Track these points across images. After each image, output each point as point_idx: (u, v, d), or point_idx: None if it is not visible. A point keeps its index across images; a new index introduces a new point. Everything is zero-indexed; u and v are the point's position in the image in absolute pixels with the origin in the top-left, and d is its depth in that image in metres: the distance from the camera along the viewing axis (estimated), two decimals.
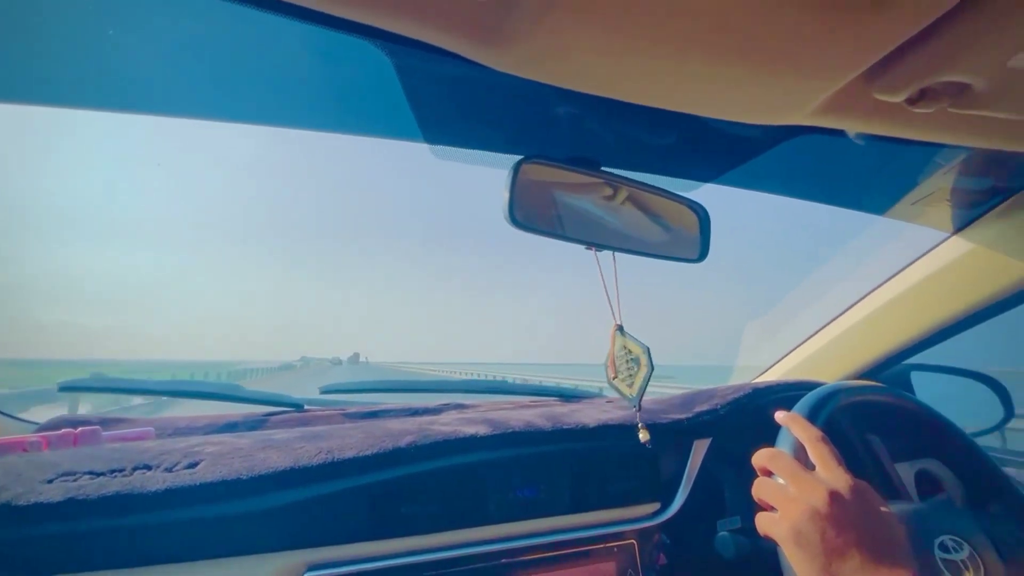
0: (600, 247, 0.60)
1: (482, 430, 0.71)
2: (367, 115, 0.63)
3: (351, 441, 0.66)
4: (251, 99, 0.61)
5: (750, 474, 0.60)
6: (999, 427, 1.07)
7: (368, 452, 0.64)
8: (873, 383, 1.03)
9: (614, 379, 0.59)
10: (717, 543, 0.70)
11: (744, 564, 0.66)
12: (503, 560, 0.64)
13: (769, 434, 0.64)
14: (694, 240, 0.68)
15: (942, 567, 0.57)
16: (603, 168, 0.63)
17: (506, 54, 0.46)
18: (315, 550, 0.59)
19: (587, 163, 0.60)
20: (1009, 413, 1.06)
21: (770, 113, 0.57)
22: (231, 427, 0.89)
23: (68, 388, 0.91)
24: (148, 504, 0.55)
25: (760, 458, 0.59)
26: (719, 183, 0.79)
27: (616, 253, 0.61)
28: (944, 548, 0.59)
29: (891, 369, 1.10)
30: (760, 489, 0.57)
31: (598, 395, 1.18)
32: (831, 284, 1.20)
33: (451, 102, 0.57)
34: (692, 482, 0.77)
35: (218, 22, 0.49)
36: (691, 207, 0.69)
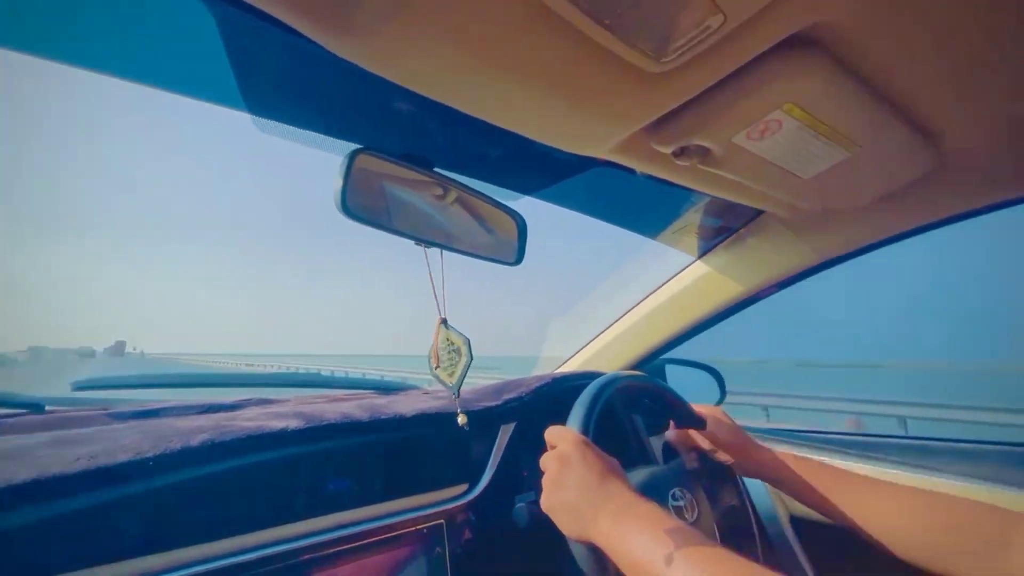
0: (428, 244, 0.63)
1: (293, 424, 0.67)
2: (191, 72, 0.54)
3: (125, 443, 0.56)
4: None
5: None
6: (719, 403, 1.42)
7: (148, 454, 0.55)
8: (638, 373, 1.28)
9: (436, 369, 0.63)
10: (514, 514, 0.79)
11: (538, 529, 0.76)
12: (307, 556, 0.62)
13: (564, 415, 0.75)
14: (512, 245, 0.76)
15: (671, 510, 0.75)
16: (436, 169, 0.66)
17: (353, 44, 0.46)
18: (84, 572, 0.49)
19: (421, 161, 0.62)
20: (723, 394, 1.42)
21: (577, 144, 0.67)
22: None
23: None
24: None
25: (550, 433, 0.70)
26: (536, 197, 0.89)
27: (443, 251, 0.65)
28: (674, 497, 0.78)
29: (653, 362, 1.38)
30: (543, 460, 0.67)
31: (414, 387, 1.20)
32: (617, 291, 1.44)
33: (287, 76, 0.54)
34: (497, 463, 0.85)
35: None
36: (511, 215, 0.76)
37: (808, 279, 1.11)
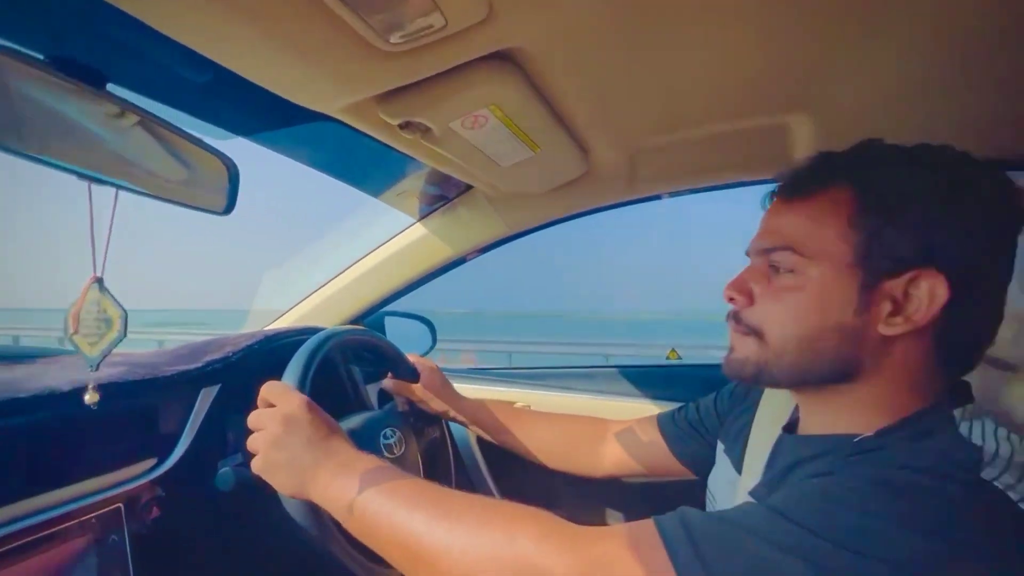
0: (98, 181, 0.50)
1: None
2: None
3: None
4: None
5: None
6: (429, 351, 1.59)
7: None
8: (358, 327, 1.32)
9: (74, 335, 0.50)
10: (217, 480, 0.75)
11: (245, 491, 0.74)
12: None
13: (278, 372, 0.74)
14: (222, 191, 0.68)
15: (383, 448, 0.85)
16: (110, 89, 0.52)
17: None
18: None
19: (91, 77, 0.48)
20: (434, 342, 1.60)
21: (304, 98, 0.65)
22: None
23: None
24: None
25: (268, 391, 0.68)
26: (252, 140, 0.80)
27: (118, 192, 0.53)
28: (385, 436, 0.87)
29: (373, 315, 1.44)
30: (251, 418, 0.66)
31: (63, 352, 0.94)
32: (338, 246, 1.43)
33: None
34: (196, 430, 0.78)
35: None
36: (220, 157, 0.67)
37: (503, 246, 1.36)
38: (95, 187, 0.51)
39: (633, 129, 0.92)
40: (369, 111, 0.69)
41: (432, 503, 0.55)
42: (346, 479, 0.59)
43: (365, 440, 0.82)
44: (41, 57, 0.43)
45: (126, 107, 0.55)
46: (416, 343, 1.50)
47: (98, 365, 0.52)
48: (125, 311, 0.49)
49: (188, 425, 0.77)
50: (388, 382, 1.06)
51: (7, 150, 0.41)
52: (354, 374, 1.20)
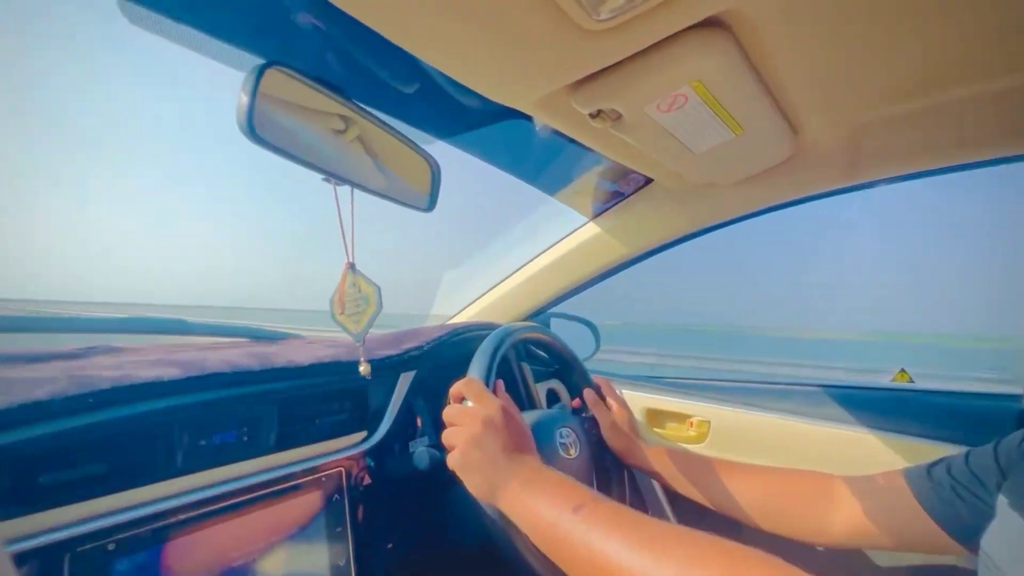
0: (340, 180, 0.58)
1: (170, 372, 0.59)
2: None
3: None
4: None
5: (443, 398, 0.72)
6: (593, 355, 1.56)
7: None
8: (535, 324, 1.35)
9: (340, 315, 0.59)
10: (415, 458, 0.81)
11: (437, 471, 0.79)
12: (192, 512, 0.58)
13: (462, 364, 0.77)
14: (425, 190, 0.74)
15: (558, 447, 0.83)
16: (350, 98, 0.60)
17: None
18: None
19: (336, 88, 0.56)
20: (598, 345, 1.56)
21: (503, 93, 0.66)
22: None
23: None
24: None
25: (456, 385, 0.71)
26: (449, 142, 0.86)
27: (354, 190, 0.60)
28: (561, 435, 0.85)
29: (542, 314, 1.46)
30: (448, 412, 0.69)
31: (294, 336, 1.12)
32: (513, 245, 1.48)
33: None
34: (396, 410, 0.85)
35: None
36: (426, 158, 0.73)
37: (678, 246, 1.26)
38: (335, 185, 0.59)
39: (856, 99, 0.76)
40: (561, 102, 0.68)
41: (631, 528, 0.50)
42: (536, 494, 0.58)
43: (542, 437, 0.82)
44: (298, 72, 0.51)
45: (361, 113, 0.62)
46: (579, 346, 1.47)
47: (363, 339, 0.59)
48: (378, 286, 0.56)
49: (390, 405, 0.85)
50: (587, 395, 1.04)
51: (273, 148, 0.49)
52: (525, 371, 1.22)
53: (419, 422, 0.92)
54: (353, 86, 0.59)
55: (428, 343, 0.94)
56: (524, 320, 1.43)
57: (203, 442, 0.61)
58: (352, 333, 0.59)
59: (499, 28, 0.52)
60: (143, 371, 0.59)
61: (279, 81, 0.49)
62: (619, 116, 0.71)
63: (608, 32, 0.53)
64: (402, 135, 0.69)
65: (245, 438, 0.65)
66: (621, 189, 1.16)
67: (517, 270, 1.39)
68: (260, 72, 0.47)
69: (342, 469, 0.74)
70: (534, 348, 1.28)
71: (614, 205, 1.20)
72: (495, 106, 0.70)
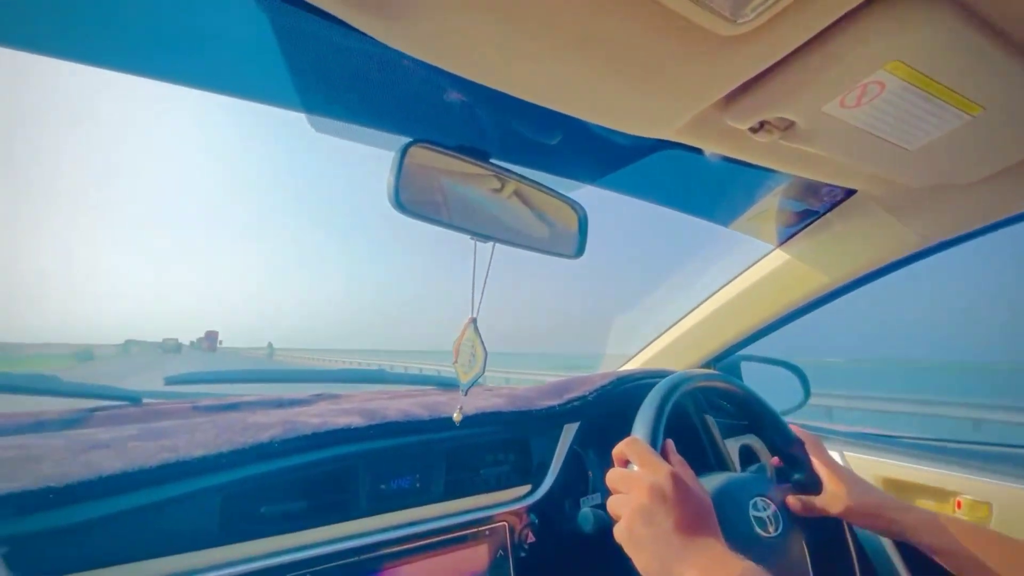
0: (483, 238, 0.61)
1: (356, 421, 0.68)
2: (242, 73, 0.56)
3: (201, 437, 0.59)
4: (96, 37, 0.50)
5: (611, 452, 0.66)
6: (800, 406, 1.30)
7: (223, 449, 0.57)
8: (711, 371, 1.19)
9: (455, 363, 0.63)
10: (580, 518, 0.76)
11: (604, 535, 0.73)
12: (373, 553, 0.63)
13: (630, 416, 0.70)
14: (573, 237, 0.73)
15: (753, 521, 0.69)
16: (491, 160, 0.63)
17: (396, 28, 0.44)
18: (161, 560, 0.52)
19: (476, 153, 0.60)
20: (807, 395, 1.30)
21: (642, 125, 0.62)
22: (39, 426, 0.74)
23: None
24: None
25: (618, 447, 0.63)
26: (598, 185, 0.85)
27: (496, 246, 0.62)
28: (755, 507, 0.71)
29: (727, 359, 1.29)
30: (611, 477, 0.62)
31: (482, 383, 1.19)
32: (684, 284, 1.36)
33: (336, 71, 0.53)
34: (561, 464, 0.82)
35: None
36: (572, 205, 0.73)
37: (908, 266, 0.99)
38: (477, 243, 0.62)
39: None
40: (712, 121, 0.61)
41: None
42: None
43: (730, 509, 0.69)
44: (438, 145, 0.55)
45: (503, 173, 0.65)
46: (779, 396, 1.24)
47: (466, 391, 0.61)
48: (487, 352, 0.57)
49: (554, 457, 0.83)
50: (753, 439, 0.88)
51: (420, 217, 0.53)
52: (710, 425, 1.07)
53: (590, 477, 0.87)
54: (493, 148, 0.62)
55: (591, 392, 0.90)
56: (706, 366, 1.28)
57: (383, 486, 0.67)
58: (460, 383, 0.62)
59: (628, 61, 0.49)
60: (339, 419, 0.68)
61: (422, 156, 0.55)
62: (790, 124, 0.60)
63: (756, 33, 0.46)
64: (545, 187, 0.70)
65: (418, 484, 0.70)
66: (811, 207, 0.98)
67: (693, 310, 1.26)
68: (404, 151, 0.53)
69: (507, 523, 0.73)
70: (715, 398, 1.12)
71: (806, 226, 1.01)
72: (641, 140, 0.66)
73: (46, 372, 0.96)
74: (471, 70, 0.51)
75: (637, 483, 0.58)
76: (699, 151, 0.78)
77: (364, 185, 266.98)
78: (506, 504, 0.75)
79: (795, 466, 0.82)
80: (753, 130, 0.60)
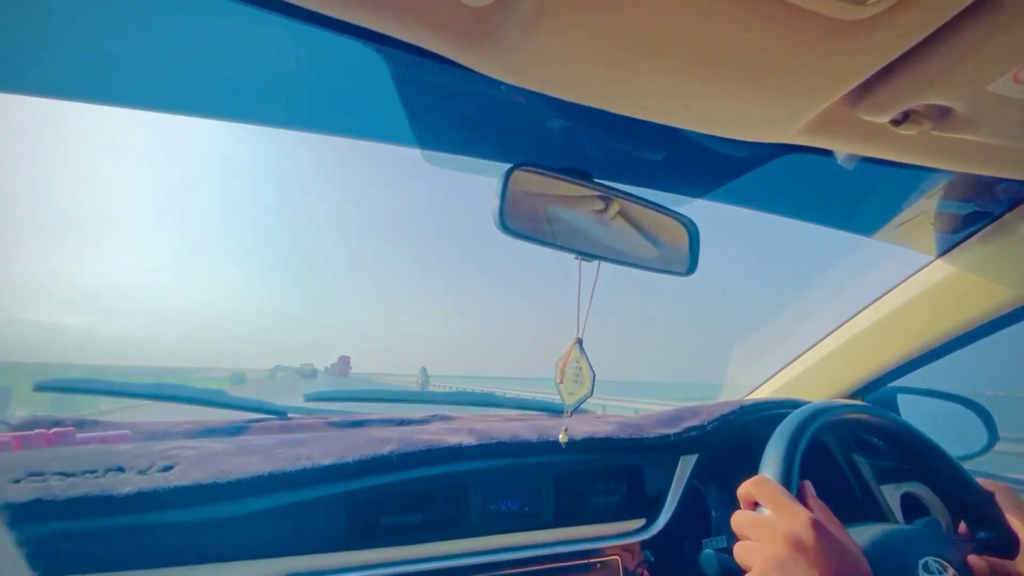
0: (588, 257, 0.60)
1: (466, 440, 0.70)
2: (364, 118, 0.63)
3: (331, 448, 0.65)
4: (247, 97, 0.61)
5: (735, 490, 0.59)
6: (984, 451, 1.07)
7: (348, 459, 0.62)
8: (859, 402, 1.03)
9: (560, 383, 0.61)
10: (702, 561, 0.69)
11: None
12: (485, 574, 0.63)
13: (757, 451, 0.63)
14: (683, 254, 0.69)
15: None
16: (595, 180, 0.63)
17: (499, 60, 0.46)
18: (294, 558, 0.57)
19: (579, 174, 0.61)
20: (993, 438, 1.06)
21: (759, 130, 0.58)
22: (210, 432, 0.88)
23: (43, 388, 0.89)
24: (118, 507, 0.53)
25: (744, 487, 0.57)
26: (710, 199, 0.80)
27: (601, 265, 0.61)
28: (928, 569, 0.59)
29: (878, 390, 1.11)
30: (738, 520, 0.55)
31: (585, 411, 1.17)
32: (819, 304, 1.21)
33: (446, 108, 0.58)
34: (678, 499, 0.76)
35: (221, 20, 0.49)
36: (681, 221, 0.69)
37: None
38: (582, 263, 0.61)
39: None
40: (842, 117, 0.54)
41: None
42: None
43: (893, 569, 0.58)
44: (542, 167, 0.57)
45: (608, 192, 0.64)
46: (950, 437, 1.03)
47: (572, 412, 0.60)
48: (594, 373, 0.55)
49: (671, 491, 0.77)
50: (919, 487, 0.74)
51: (524, 237, 0.54)
52: (860, 468, 0.92)
53: (712, 517, 0.80)
54: (596, 168, 0.62)
55: (710, 422, 0.83)
56: (852, 396, 1.11)
57: (492, 507, 0.68)
58: (565, 404, 0.60)
59: (741, 64, 0.46)
60: (450, 437, 0.71)
61: (525, 179, 0.56)
62: (945, 111, 0.51)
63: (891, 13, 0.40)
64: (652, 203, 0.68)
65: (527, 508, 0.69)
66: (981, 209, 0.82)
67: (831, 333, 1.11)
68: (507, 175, 0.55)
69: (619, 558, 0.69)
70: (865, 434, 0.96)
71: (975, 232, 0.85)
72: (758, 147, 0.62)
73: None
74: (573, 92, 0.52)
75: (770, 530, 0.51)
76: (828, 153, 0.71)
77: (474, 216, 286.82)
78: (618, 537, 0.71)
79: (981, 522, 0.67)
80: (895, 122, 0.53)
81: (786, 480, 0.57)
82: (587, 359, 0.58)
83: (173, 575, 0.54)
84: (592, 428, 0.79)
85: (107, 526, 0.52)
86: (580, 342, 0.58)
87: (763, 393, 1.23)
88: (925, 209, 0.86)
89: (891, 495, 0.92)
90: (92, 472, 0.56)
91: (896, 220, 0.91)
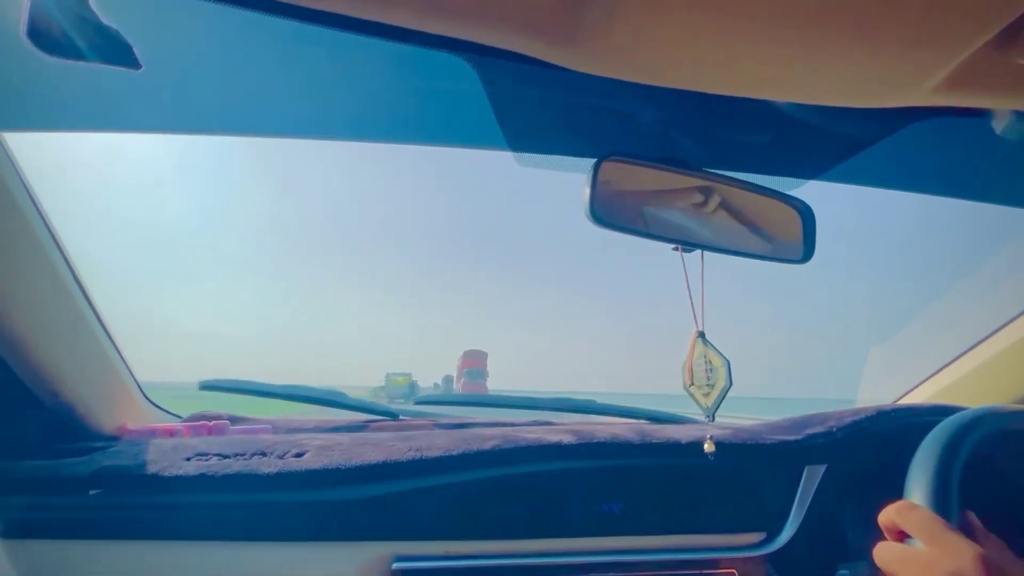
0: (688, 246, 0.57)
1: (566, 439, 0.69)
2: (455, 126, 0.68)
3: (439, 443, 0.69)
4: (343, 115, 0.68)
5: (875, 509, 0.51)
6: None
7: (454, 452, 0.66)
8: None
9: (690, 386, 0.55)
10: None
11: None
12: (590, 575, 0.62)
13: (900, 466, 0.54)
14: (797, 239, 0.63)
15: None
16: (691, 167, 0.60)
17: (582, 53, 0.46)
18: (404, 543, 0.62)
19: (675, 161, 0.58)
20: None
21: (884, 94, 0.51)
22: (336, 429, 0.97)
23: (207, 387, 1.05)
24: (261, 484, 0.61)
25: (887, 513, 0.49)
26: (827, 179, 0.72)
27: (705, 254, 0.58)
28: None
29: None
30: (883, 554, 0.48)
31: (691, 421, 1.10)
32: (978, 298, 1.03)
33: (536, 108, 0.59)
34: (804, 513, 0.69)
35: (316, 43, 0.54)
36: (793, 204, 0.63)
37: None
38: (686, 253, 0.59)
39: None
40: (989, 65, 0.46)
41: None
42: None
43: None
44: (634, 157, 0.55)
45: (707, 177, 0.61)
46: None
47: (713, 415, 0.55)
48: (727, 360, 0.51)
49: (795, 505, 0.69)
50: None
51: (618, 228, 0.54)
52: None
53: (848, 539, 0.70)
54: (692, 154, 0.59)
55: (840, 428, 0.73)
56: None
57: (595, 508, 0.66)
58: (702, 407, 0.53)
59: (856, 17, 0.42)
60: (550, 436, 0.71)
61: (616, 170, 0.56)
62: None
63: None
64: (758, 186, 0.63)
65: (631, 512, 0.67)
66: None
67: (998, 330, 0.93)
68: (596, 167, 0.55)
69: (735, 571, 0.64)
70: None
71: None
72: (883, 114, 0.55)
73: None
74: (663, 76, 0.50)
75: (927, 569, 0.44)
76: (978, 113, 0.60)
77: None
78: (736, 550, 0.66)
79: None
80: None
81: (941, 506, 0.48)
82: (715, 349, 0.54)
83: (302, 549, 0.61)
84: (700, 432, 0.74)
85: (252, 501, 0.61)
86: (702, 334, 0.55)
87: (917, 399, 1.07)
88: None
89: None
90: (242, 455, 0.65)
91: None
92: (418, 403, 1.21)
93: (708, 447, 0.57)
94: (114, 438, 0.77)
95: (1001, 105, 0.53)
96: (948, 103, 0.52)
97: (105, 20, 0.45)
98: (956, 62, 0.46)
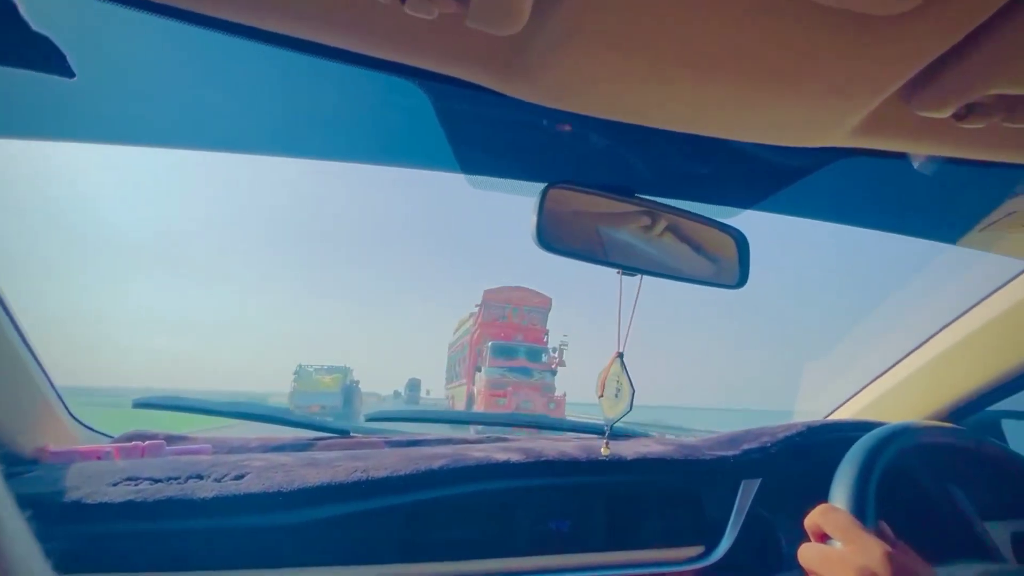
0: (631, 271, 0.60)
1: (515, 457, 0.70)
2: (409, 147, 0.68)
3: (387, 462, 0.68)
4: (298, 132, 0.68)
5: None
6: None
7: (402, 472, 0.65)
8: (950, 425, 0.93)
9: (601, 397, 0.61)
10: None
11: None
12: None
13: (829, 478, 0.58)
14: (732, 266, 0.67)
15: None
16: (636, 195, 0.63)
17: (531, 85, 0.48)
18: (349, 568, 0.60)
19: (619, 189, 0.61)
20: None
21: (806, 135, 0.56)
22: (279, 448, 0.93)
23: (140, 405, 1.00)
24: (197, 510, 0.58)
25: (811, 516, 0.53)
26: (761, 209, 0.76)
27: (641, 281, 0.61)
28: None
29: (975, 415, 0.99)
30: (806, 554, 0.51)
31: (644, 435, 1.13)
32: (901, 318, 1.11)
33: (487, 133, 0.61)
34: (740, 525, 0.72)
35: (277, 64, 0.54)
36: (729, 232, 0.67)
37: None
38: (624, 278, 0.61)
39: None
40: (895, 118, 0.51)
41: None
42: None
43: None
44: (579, 185, 0.58)
45: (650, 206, 0.64)
46: None
47: (610, 429, 0.61)
48: (633, 388, 0.55)
49: (732, 518, 0.73)
50: None
51: (564, 254, 0.55)
52: (956, 499, 0.82)
53: (782, 547, 0.74)
54: (637, 183, 0.62)
55: (774, 444, 0.78)
56: (944, 420, 1.00)
57: (542, 527, 0.67)
58: (605, 417, 0.60)
59: (782, 67, 0.46)
60: (499, 455, 0.72)
61: (563, 197, 0.58)
62: (1017, 100, 0.47)
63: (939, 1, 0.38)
64: (697, 215, 0.67)
65: (577, 529, 0.68)
66: None
67: (911, 352, 1.01)
68: (544, 193, 0.57)
69: None
70: (962, 462, 0.86)
71: None
72: (810, 151, 0.59)
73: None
74: (608, 110, 0.53)
75: (841, 565, 0.47)
76: (895, 155, 0.66)
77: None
78: (676, 564, 0.68)
79: None
80: (958, 116, 0.49)
81: (858, 510, 0.52)
82: (627, 375, 0.58)
83: None
84: (645, 449, 0.76)
85: (186, 528, 0.58)
86: (621, 356, 0.58)
87: (840, 417, 1.14)
88: (1015, 208, 0.78)
89: (999, 533, 0.81)
90: (176, 479, 0.62)
91: (981, 223, 0.83)
92: (370, 419, 1.18)
93: (605, 452, 0.64)
94: (32, 462, 0.71)
95: (909, 150, 0.58)
96: (865, 146, 0.57)
97: (36, 27, 0.43)
98: (867, 110, 0.51)
